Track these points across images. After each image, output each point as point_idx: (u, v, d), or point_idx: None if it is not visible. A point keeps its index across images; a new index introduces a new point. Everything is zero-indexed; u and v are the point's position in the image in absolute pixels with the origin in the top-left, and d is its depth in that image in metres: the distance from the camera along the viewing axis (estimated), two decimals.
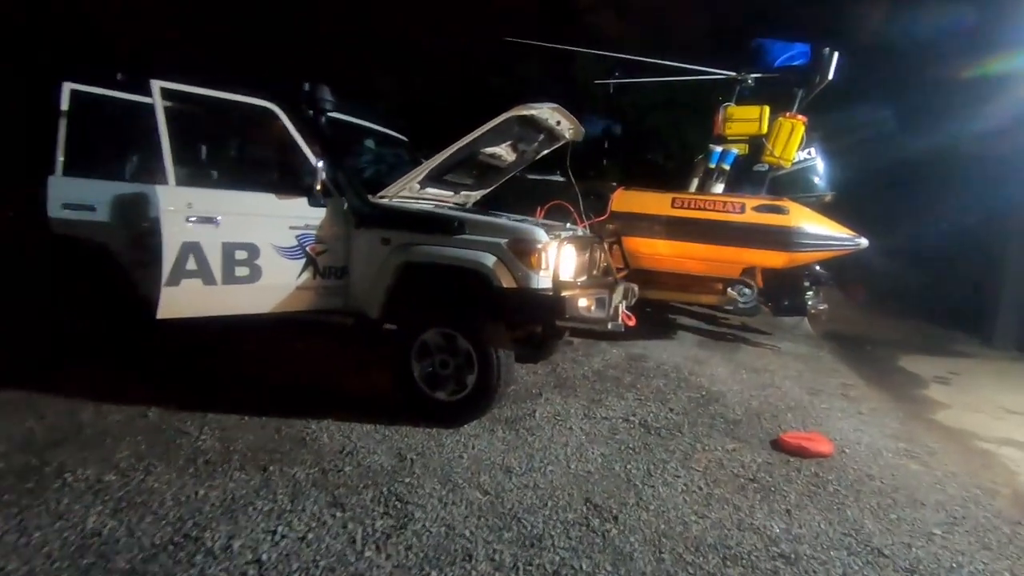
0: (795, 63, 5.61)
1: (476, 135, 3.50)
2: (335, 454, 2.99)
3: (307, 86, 3.66)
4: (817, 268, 6.12)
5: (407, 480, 2.73)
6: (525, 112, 3.51)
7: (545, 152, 4.75)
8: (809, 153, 5.79)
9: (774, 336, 6.80)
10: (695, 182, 5.92)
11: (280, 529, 2.28)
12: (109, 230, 3.50)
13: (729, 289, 5.54)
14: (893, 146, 8.61)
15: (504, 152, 4.27)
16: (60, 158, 3.47)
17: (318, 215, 3.54)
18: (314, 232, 3.54)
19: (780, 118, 5.57)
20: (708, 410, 4.05)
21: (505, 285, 3.27)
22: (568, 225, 4.57)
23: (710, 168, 5.82)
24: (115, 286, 3.46)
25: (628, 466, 3.05)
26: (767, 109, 5.62)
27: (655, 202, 5.27)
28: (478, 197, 5.00)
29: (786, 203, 4.98)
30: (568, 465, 3.01)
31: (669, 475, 2.98)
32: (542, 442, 3.29)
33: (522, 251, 3.31)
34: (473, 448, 3.15)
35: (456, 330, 3.41)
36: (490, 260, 3.30)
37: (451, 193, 4.61)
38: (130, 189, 3.37)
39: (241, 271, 3.28)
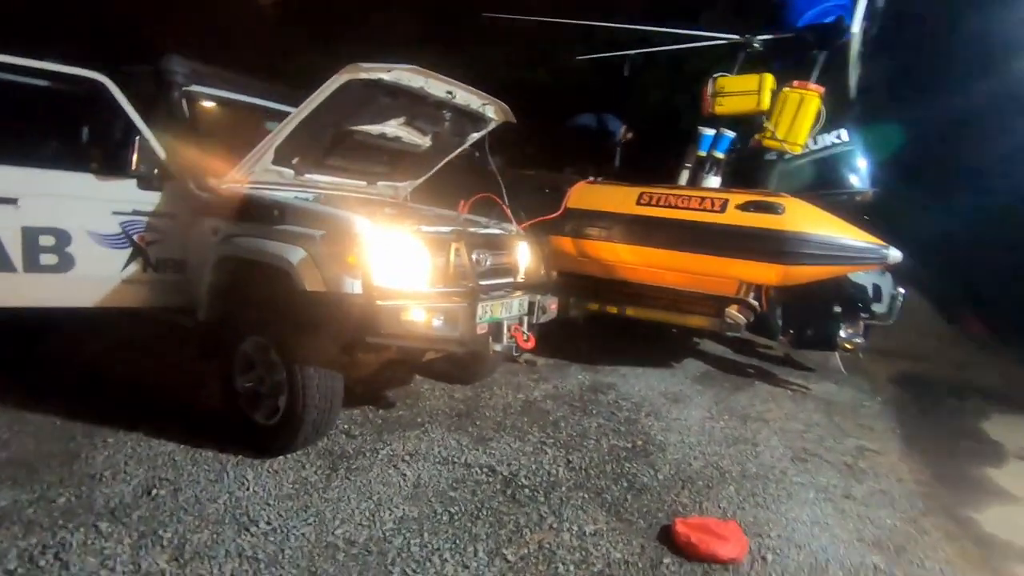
0: (828, 19, 4.28)
1: (307, 108, 2.88)
2: (82, 478, 2.52)
3: (164, 57, 3.29)
4: (873, 285, 4.71)
5: (105, 527, 2.17)
6: (363, 75, 2.82)
7: (476, 135, 4.01)
8: (839, 136, 4.39)
9: (816, 375, 5.34)
10: (684, 174, 4.76)
11: None
12: None
13: (728, 310, 4.36)
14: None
15: (404, 133, 3.59)
16: None
17: (150, 200, 3.14)
18: (144, 219, 3.14)
19: (785, 88, 4.26)
20: (622, 468, 3.05)
21: (310, 287, 2.62)
22: (490, 221, 3.80)
23: (700, 157, 4.65)
24: None
25: (414, 542, 2.24)
26: (769, 78, 4.32)
27: (620, 198, 4.24)
28: (409, 188, 4.37)
29: (783, 199, 3.73)
30: (332, 530, 2.27)
31: (454, 565, 2.13)
32: (344, 491, 2.57)
33: (335, 246, 2.64)
34: (249, 489, 2.52)
35: (269, 340, 2.82)
36: (297, 256, 2.67)
37: (363, 183, 4.04)
38: None
39: (47, 259, 2.94)
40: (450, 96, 3.36)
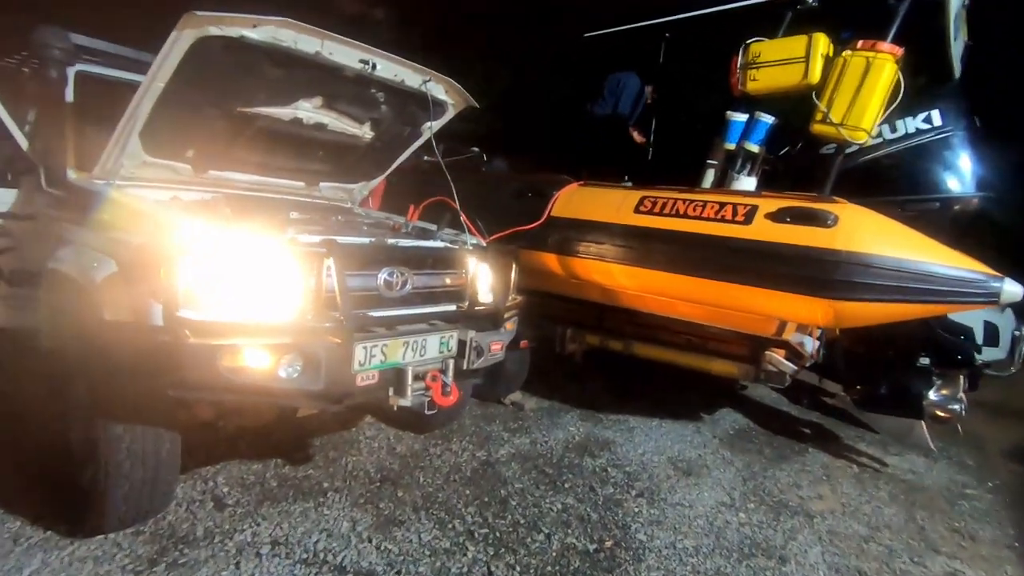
0: None
1: (156, 81, 2.16)
2: None
3: (38, 29, 2.76)
4: (985, 324, 3.48)
5: None
6: (214, 31, 2.07)
7: (436, 124, 3.21)
8: (928, 120, 3.16)
9: (897, 443, 4.01)
10: (709, 174, 3.66)
11: None
12: None
13: (768, 354, 3.27)
14: None
15: (328, 119, 2.87)
16: None
17: (4, 199, 2.61)
18: None
19: (846, 52, 3.07)
20: None
21: (109, 316, 1.91)
22: (440, 231, 2.98)
23: (728, 151, 3.55)
24: None
25: None
26: (821, 39, 3.10)
27: (615, 203, 3.25)
28: (365, 190, 3.63)
29: (836, 206, 2.60)
30: None
31: None
32: None
33: (149, 259, 1.91)
34: None
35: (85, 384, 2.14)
36: (103, 271, 1.97)
37: (300, 184, 3.35)
38: None
39: None
40: (367, 67, 2.58)
